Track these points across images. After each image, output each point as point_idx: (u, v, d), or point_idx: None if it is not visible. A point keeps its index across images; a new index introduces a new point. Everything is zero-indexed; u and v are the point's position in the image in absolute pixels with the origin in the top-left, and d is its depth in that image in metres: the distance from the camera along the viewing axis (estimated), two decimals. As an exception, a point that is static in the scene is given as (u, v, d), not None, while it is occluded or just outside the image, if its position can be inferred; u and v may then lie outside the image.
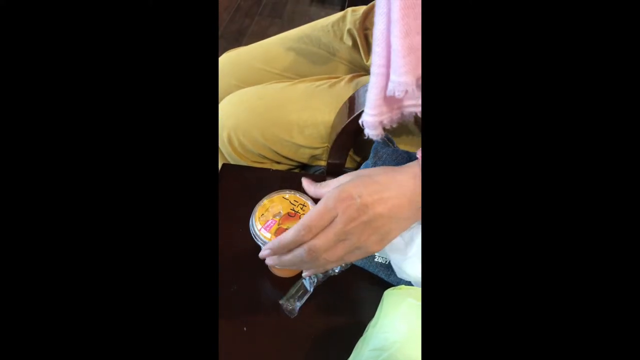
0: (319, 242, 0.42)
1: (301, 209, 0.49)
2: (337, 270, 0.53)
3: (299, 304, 0.51)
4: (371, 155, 0.61)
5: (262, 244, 0.48)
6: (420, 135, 0.69)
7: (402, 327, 0.40)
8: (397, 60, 0.46)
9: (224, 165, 0.71)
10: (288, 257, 0.44)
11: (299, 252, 0.43)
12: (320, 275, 0.52)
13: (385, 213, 0.43)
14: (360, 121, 0.55)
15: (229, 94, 0.84)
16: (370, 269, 0.55)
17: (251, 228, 0.48)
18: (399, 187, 0.43)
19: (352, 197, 0.42)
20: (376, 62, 0.48)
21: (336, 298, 0.53)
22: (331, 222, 0.42)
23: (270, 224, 0.48)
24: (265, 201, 0.50)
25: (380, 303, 0.45)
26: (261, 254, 0.46)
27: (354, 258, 0.45)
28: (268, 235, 0.47)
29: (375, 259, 0.55)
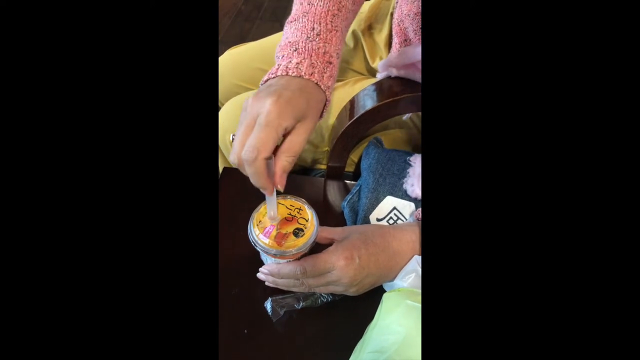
0: (313, 282, 0.48)
1: (298, 212, 0.49)
2: (329, 299, 0.53)
3: (281, 311, 0.52)
4: (363, 154, 0.65)
5: (261, 250, 0.48)
6: (409, 132, 0.73)
7: (401, 329, 0.40)
8: None
9: (224, 168, 0.72)
10: (282, 282, 0.50)
11: (293, 282, 0.49)
12: (311, 302, 0.53)
13: (376, 273, 0.48)
14: (409, 187, 0.58)
15: (230, 93, 0.84)
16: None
17: (250, 235, 0.48)
18: (391, 250, 0.49)
19: (352, 258, 0.46)
20: None
21: (335, 301, 0.53)
22: (328, 271, 0.47)
23: (269, 230, 0.48)
24: (262, 207, 0.50)
25: (379, 305, 0.45)
26: (259, 276, 0.52)
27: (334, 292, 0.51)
28: (267, 241, 0.47)
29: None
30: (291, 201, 0.50)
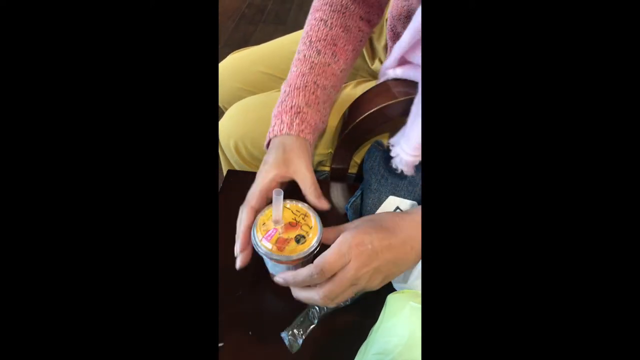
0: (334, 288, 0.45)
1: (303, 218, 0.49)
2: (347, 303, 0.52)
3: (300, 340, 0.50)
4: (365, 157, 0.65)
5: (261, 253, 0.48)
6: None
7: (404, 331, 0.40)
8: None
9: (229, 171, 0.72)
10: (302, 295, 0.47)
11: (313, 295, 0.45)
12: (326, 308, 0.52)
13: (392, 259, 0.46)
14: (395, 158, 0.57)
15: (233, 97, 0.85)
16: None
17: (252, 237, 0.48)
18: (403, 233, 0.47)
19: (364, 244, 0.45)
20: None
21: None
22: (344, 266, 0.44)
23: (271, 234, 0.48)
24: (267, 211, 0.50)
25: (383, 307, 0.46)
26: (276, 280, 0.49)
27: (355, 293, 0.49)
28: (268, 244, 0.47)
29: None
30: (297, 206, 0.50)
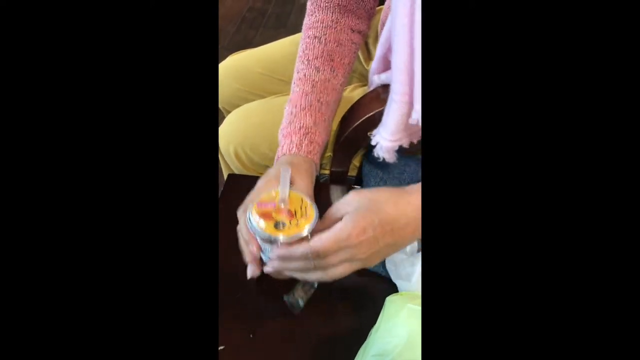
0: (327, 262, 0.45)
1: (302, 216, 0.47)
2: None
3: (301, 302, 0.52)
4: (364, 160, 0.66)
5: (248, 219, 0.47)
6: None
7: (403, 332, 0.41)
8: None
9: (229, 175, 0.73)
10: (293, 266, 0.47)
11: (306, 265, 0.46)
12: None
13: (392, 242, 0.46)
14: (375, 144, 0.58)
15: (232, 98, 0.86)
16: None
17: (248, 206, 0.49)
18: (405, 217, 0.46)
19: (365, 232, 0.44)
20: (398, 90, 0.51)
21: (339, 305, 0.53)
22: (341, 249, 0.44)
23: (268, 205, 0.47)
24: (273, 192, 0.49)
25: (382, 309, 0.46)
26: (266, 270, 0.49)
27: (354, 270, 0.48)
28: (255, 209, 0.47)
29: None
30: (308, 204, 0.48)
